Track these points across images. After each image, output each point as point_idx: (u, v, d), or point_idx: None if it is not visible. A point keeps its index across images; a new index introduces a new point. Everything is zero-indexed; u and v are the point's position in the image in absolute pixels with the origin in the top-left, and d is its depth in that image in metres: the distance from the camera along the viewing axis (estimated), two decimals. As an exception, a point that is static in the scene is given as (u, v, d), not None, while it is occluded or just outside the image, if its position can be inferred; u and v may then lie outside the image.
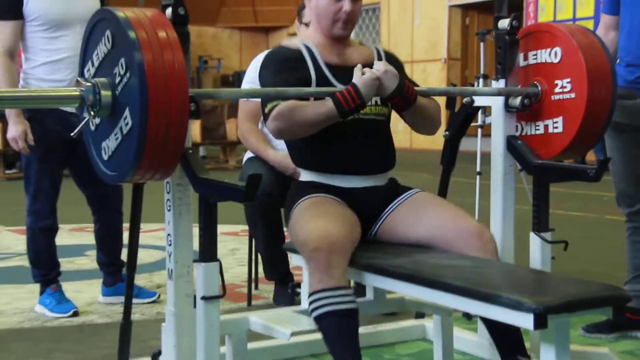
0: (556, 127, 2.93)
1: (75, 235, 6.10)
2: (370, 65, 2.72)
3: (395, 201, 2.85)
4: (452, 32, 14.05)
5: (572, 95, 2.87)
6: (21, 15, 3.59)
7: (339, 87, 2.70)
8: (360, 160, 2.82)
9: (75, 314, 3.71)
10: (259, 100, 3.60)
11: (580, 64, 2.84)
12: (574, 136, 2.87)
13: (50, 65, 3.66)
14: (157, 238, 5.59)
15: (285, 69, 2.78)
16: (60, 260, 3.94)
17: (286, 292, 3.82)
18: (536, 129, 2.99)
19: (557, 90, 2.92)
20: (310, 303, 2.49)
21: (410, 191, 2.89)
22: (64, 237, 5.46)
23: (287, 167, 3.62)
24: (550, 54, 2.94)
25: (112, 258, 4.00)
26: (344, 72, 2.77)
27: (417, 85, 2.89)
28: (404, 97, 2.71)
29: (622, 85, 3.23)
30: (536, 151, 2.94)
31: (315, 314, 2.48)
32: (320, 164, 2.83)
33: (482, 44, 6.93)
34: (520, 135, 3.02)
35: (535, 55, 2.99)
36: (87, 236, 5.76)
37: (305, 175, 2.89)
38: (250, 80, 3.87)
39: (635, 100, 3.24)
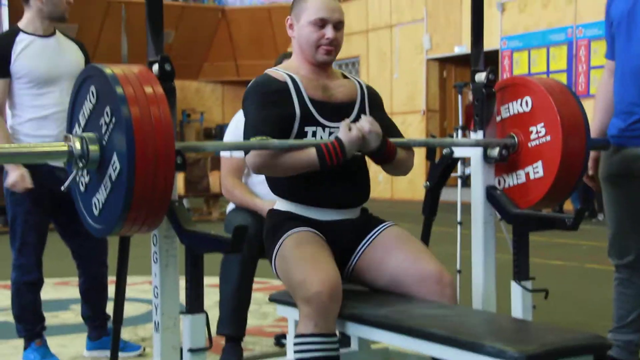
0: (536, 172, 2.96)
1: (60, 288, 6.04)
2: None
3: (368, 237, 2.86)
4: (430, 85, 14.21)
5: (548, 138, 2.91)
6: (8, 73, 3.64)
7: (324, 122, 2.80)
8: (337, 193, 2.84)
9: None
10: (241, 155, 3.64)
11: (552, 108, 2.89)
12: (554, 180, 2.90)
13: (37, 121, 3.70)
14: (141, 291, 5.56)
15: (270, 103, 2.76)
16: (44, 314, 3.91)
17: (237, 351, 3.72)
18: (517, 179, 3.02)
19: (532, 137, 2.96)
20: (300, 344, 2.51)
21: (382, 225, 2.89)
22: (49, 291, 5.41)
23: None
24: (521, 103, 2.99)
25: (97, 311, 3.96)
26: (329, 109, 2.82)
27: (397, 129, 2.99)
28: (384, 155, 2.77)
29: (616, 134, 3.25)
30: (515, 201, 2.98)
31: (302, 356, 2.51)
32: (297, 196, 2.84)
33: (459, 96, 7.01)
34: (499, 184, 3.06)
35: (510, 107, 3.04)
36: (71, 290, 5.73)
37: (281, 205, 2.90)
38: (232, 133, 3.86)
39: (616, 150, 3.25)
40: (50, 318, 4.42)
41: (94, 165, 2.29)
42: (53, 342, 4.01)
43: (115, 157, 2.21)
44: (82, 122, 2.38)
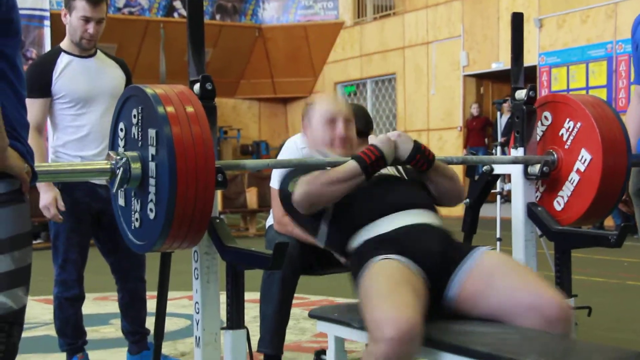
0: (575, 195, 2.96)
1: (100, 304, 6.10)
2: None
3: (464, 261, 2.60)
4: (467, 101, 14.16)
5: (588, 164, 2.92)
6: (49, 93, 3.64)
7: None
8: (394, 196, 2.78)
9: None
10: None
11: (595, 134, 2.89)
12: (594, 196, 2.90)
13: (77, 141, 3.71)
14: (180, 306, 5.59)
15: None
16: (85, 329, 3.94)
17: None
18: (558, 196, 3.02)
19: (573, 159, 2.96)
20: None
21: (478, 249, 2.64)
22: (89, 306, 5.45)
23: None
24: (569, 126, 2.99)
25: (136, 326, 3.98)
26: None
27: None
28: (422, 154, 2.76)
29: None
30: (556, 217, 2.96)
31: None
32: (359, 218, 2.74)
33: (498, 113, 6.97)
34: (539, 201, 3.05)
35: (556, 124, 3.03)
36: (111, 305, 5.78)
37: (356, 242, 2.76)
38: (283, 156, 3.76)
39: None
40: (91, 332, 4.46)
41: (136, 183, 2.32)
42: (94, 357, 4.03)
43: (156, 175, 2.24)
44: (124, 141, 2.41)
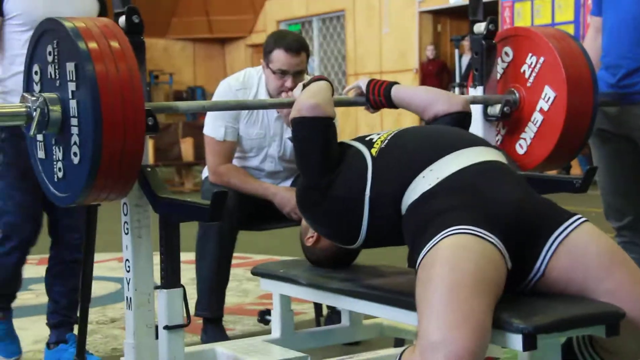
0: (538, 136, 2.99)
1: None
2: None
3: (557, 239, 2.28)
4: (423, 41, 14.18)
5: (551, 102, 2.94)
6: (1, 12, 3.31)
7: None
8: (446, 137, 2.52)
9: None
10: (234, 139, 3.70)
11: (560, 69, 2.91)
12: (556, 144, 2.93)
13: None
14: (108, 269, 5.59)
15: None
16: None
17: (218, 332, 3.73)
18: (520, 138, 3.05)
19: (535, 97, 2.99)
20: None
21: (575, 219, 2.32)
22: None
23: (288, 202, 3.60)
24: (531, 62, 3.01)
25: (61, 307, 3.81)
26: None
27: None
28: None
29: (606, 90, 3.30)
30: (518, 162, 3.00)
31: None
32: (412, 164, 2.41)
33: (456, 51, 7.02)
34: (500, 144, 3.08)
35: (517, 59, 3.06)
36: (31, 269, 5.73)
37: (411, 197, 2.37)
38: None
39: (619, 106, 3.31)
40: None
41: (55, 128, 2.28)
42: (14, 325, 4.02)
43: (79, 118, 2.21)
44: (40, 83, 2.37)
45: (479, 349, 2.00)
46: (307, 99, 2.58)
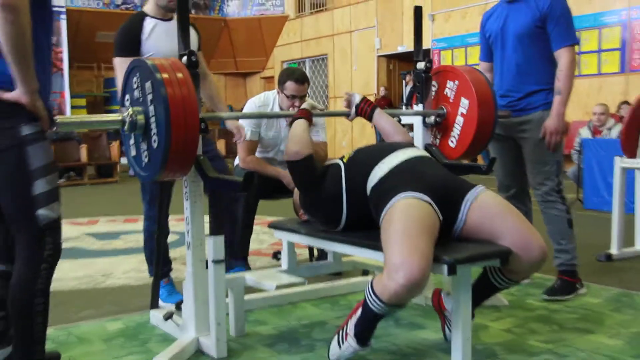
0: (462, 132, 3.00)
1: (111, 224, 6.08)
2: None
3: (467, 198, 2.35)
4: (380, 75, 14.21)
5: (467, 107, 2.96)
6: (139, 52, 3.12)
7: None
8: (392, 144, 2.61)
9: (180, 303, 2.72)
10: (256, 139, 3.66)
11: (469, 85, 2.94)
12: (472, 139, 2.95)
13: None
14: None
15: None
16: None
17: (244, 265, 3.67)
18: (449, 139, 3.06)
19: (456, 108, 3.00)
20: (373, 293, 2.13)
21: (477, 188, 2.38)
22: (110, 225, 5.42)
23: (292, 182, 3.56)
24: (451, 85, 3.03)
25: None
26: None
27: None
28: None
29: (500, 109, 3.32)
30: (450, 154, 3.04)
31: (370, 303, 2.16)
32: (371, 160, 2.49)
33: (404, 82, 6.99)
34: (438, 144, 3.10)
35: (442, 87, 3.08)
36: (120, 225, 5.75)
37: (372, 181, 2.43)
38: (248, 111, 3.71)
39: (508, 119, 3.34)
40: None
41: (141, 130, 2.31)
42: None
43: (156, 125, 2.24)
44: (131, 99, 2.39)
45: (426, 269, 2.05)
46: (291, 147, 2.60)
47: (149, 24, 3.17)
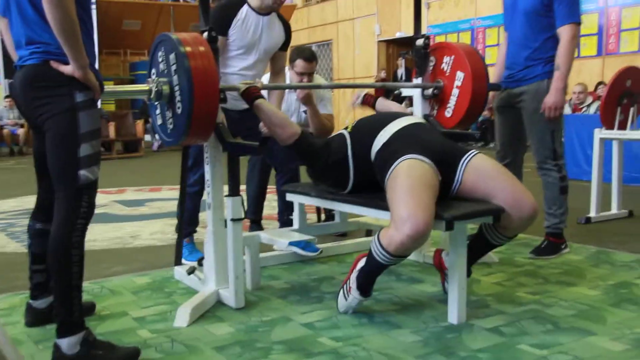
0: (458, 103, 2.95)
1: (137, 193, 6.08)
2: None
3: (464, 162, 2.32)
4: (380, 59, 14.09)
5: (462, 79, 2.91)
6: (226, 33, 2.98)
7: None
8: (392, 114, 2.56)
9: (201, 260, 2.69)
10: None
11: (464, 59, 2.90)
12: (466, 110, 2.91)
13: (236, 76, 3.03)
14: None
15: None
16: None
17: (259, 228, 3.66)
18: (445, 109, 3.02)
19: (452, 81, 2.96)
20: (380, 245, 2.12)
21: (472, 152, 2.35)
22: (131, 194, 5.40)
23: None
24: (447, 61, 2.98)
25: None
26: None
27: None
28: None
29: (503, 80, 3.30)
30: (447, 123, 3.00)
31: (375, 254, 2.15)
32: (374, 127, 2.47)
33: (403, 60, 6.90)
34: (436, 114, 3.05)
35: (439, 62, 3.03)
36: (145, 194, 5.73)
37: (376, 147, 2.41)
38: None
39: (503, 90, 3.29)
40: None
41: (166, 99, 2.28)
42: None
43: (180, 94, 2.21)
44: (157, 71, 2.36)
45: (430, 222, 2.04)
46: (281, 133, 2.49)
47: (244, 11, 3.02)
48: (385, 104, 2.90)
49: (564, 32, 3.06)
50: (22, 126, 11.08)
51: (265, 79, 3.52)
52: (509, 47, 3.31)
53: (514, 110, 3.31)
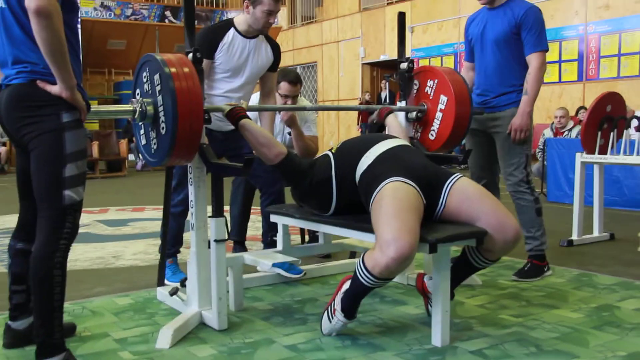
0: (441, 126, 2.97)
1: (120, 213, 6.02)
2: None
3: (448, 186, 2.32)
4: (364, 81, 14.20)
5: (446, 103, 2.93)
6: (212, 56, 2.99)
7: None
8: (376, 136, 2.54)
9: (184, 280, 2.67)
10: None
11: (448, 84, 2.93)
12: (450, 133, 2.93)
13: (221, 97, 3.04)
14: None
15: None
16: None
17: (243, 249, 3.65)
18: (429, 132, 3.03)
19: (436, 104, 2.98)
20: (364, 268, 2.11)
21: (455, 176, 2.35)
22: (113, 214, 5.34)
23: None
24: (431, 84, 3.01)
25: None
26: None
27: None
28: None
29: (476, 106, 3.32)
30: (425, 145, 3.02)
31: (360, 277, 2.13)
32: (359, 149, 2.45)
33: (387, 83, 6.96)
34: (419, 137, 3.08)
35: (423, 85, 3.05)
36: (128, 214, 5.69)
37: (360, 169, 2.40)
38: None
39: (483, 114, 3.33)
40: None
41: (150, 119, 2.28)
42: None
43: (164, 115, 2.20)
44: (142, 91, 2.35)
45: (415, 245, 2.04)
46: (267, 153, 2.48)
47: (230, 35, 3.02)
48: (393, 121, 2.90)
49: (533, 59, 3.13)
50: (4, 144, 10.98)
51: (255, 98, 3.54)
52: (478, 76, 3.36)
53: (485, 135, 3.35)
